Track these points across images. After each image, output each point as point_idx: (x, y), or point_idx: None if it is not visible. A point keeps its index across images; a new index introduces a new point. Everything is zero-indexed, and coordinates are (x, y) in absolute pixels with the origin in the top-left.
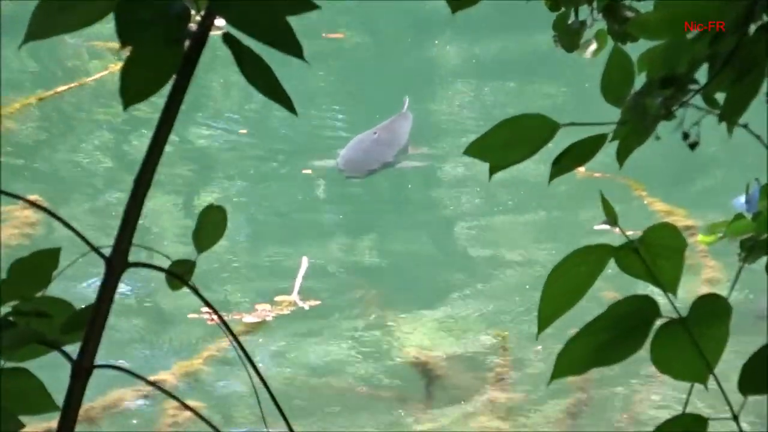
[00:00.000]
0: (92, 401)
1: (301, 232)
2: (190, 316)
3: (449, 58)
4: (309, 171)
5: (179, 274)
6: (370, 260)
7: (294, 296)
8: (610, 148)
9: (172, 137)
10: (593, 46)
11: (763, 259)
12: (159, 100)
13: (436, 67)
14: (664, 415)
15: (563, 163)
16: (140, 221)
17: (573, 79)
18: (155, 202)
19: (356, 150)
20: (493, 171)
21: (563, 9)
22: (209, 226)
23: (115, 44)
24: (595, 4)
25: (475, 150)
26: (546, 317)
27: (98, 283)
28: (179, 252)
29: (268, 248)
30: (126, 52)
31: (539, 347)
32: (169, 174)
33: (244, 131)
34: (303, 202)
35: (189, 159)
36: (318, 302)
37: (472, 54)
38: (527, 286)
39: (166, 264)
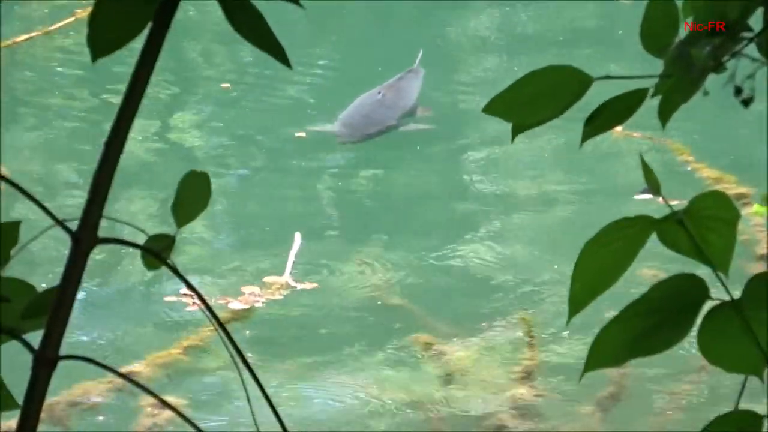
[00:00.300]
0: (56, 395)
1: (293, 205)
2: (168, 299)
3: (477, 26)
4: (303, 134)
5: (156, 251)
6: (375, 228)
7: (287, 277)
8: (651, 105)
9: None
10: None
11: None
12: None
13: (461, 35)
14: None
15: (598, 123)
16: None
17: (616, 53)
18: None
19: (355, 112)
20: (516, 131)
21: None
22: (190, 195)
23: None
24: None
25: (495, 107)
26: (578, 300)
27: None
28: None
29: (256, 222)
30: None
31: (565, 333)
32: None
33: (227, 85)
34: (296, 171)
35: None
36: (315, 285)
37: (505, 23)
38: (555, 266)
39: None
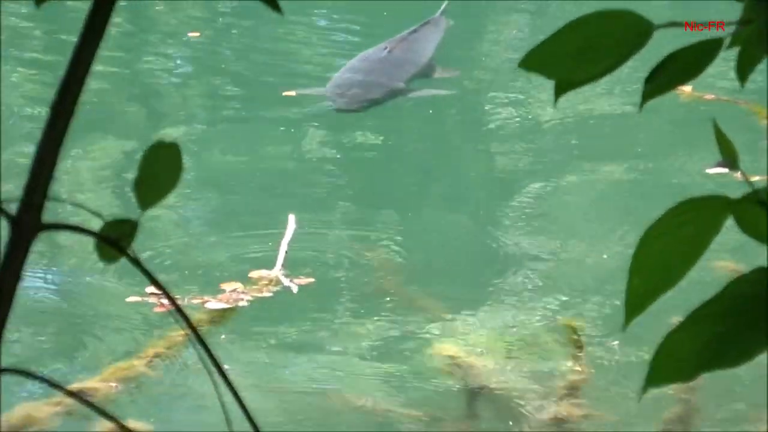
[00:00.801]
0: None
1: (285, 182)
2: (130, 299)
3: None
4: (292, 93)
5: (115, 240)
6: (383, 218)
7: (277, 271)
8: (727, 58)
9: None
10: None
11: None
12: None
13: None
14: None
15: (661, 80)
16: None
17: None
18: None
19: (352, 72)
20: (560, 90)
21: None
22: (158, 171)
23: None
24: None
25: (534, 61)
26: (637, 300)
27: None
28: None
29: (239, 203)
30: None
31: (615, 343)
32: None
33: (196, 34)
34: (286, 139)
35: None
36: (311, 280)
37: None
38: (605, 255)
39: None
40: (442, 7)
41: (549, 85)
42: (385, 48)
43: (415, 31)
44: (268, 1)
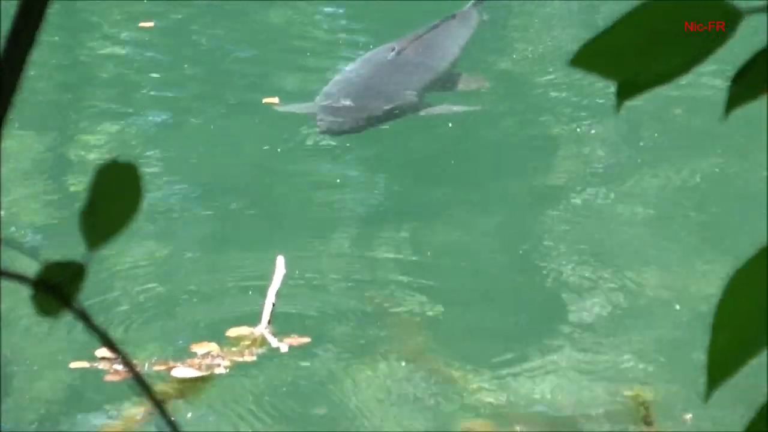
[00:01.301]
0: None
1: (271, 215)
2: (75, 365)
3: None
4: (275, 100)
5: (56, 288)
6: (395, 261)
7: (262, 328)
8: None
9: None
10: None
11: None
12: None
13: None
14: None
15: (752, 80)
16: None
17: None
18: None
19: (349, 82)
20: (624, 94)
21: None
22: (111, 198)
23: None
24: None
25: (589, 58)
26: (723, 362)
27: None
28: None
29: (214, 242)
30: None
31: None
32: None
33: (149, 24)
34: (270, 157)
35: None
36: (306, 339)
37: None
38: (677, 306)
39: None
40: None
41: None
42: (393, 48)
43: (434, 27)
44: None
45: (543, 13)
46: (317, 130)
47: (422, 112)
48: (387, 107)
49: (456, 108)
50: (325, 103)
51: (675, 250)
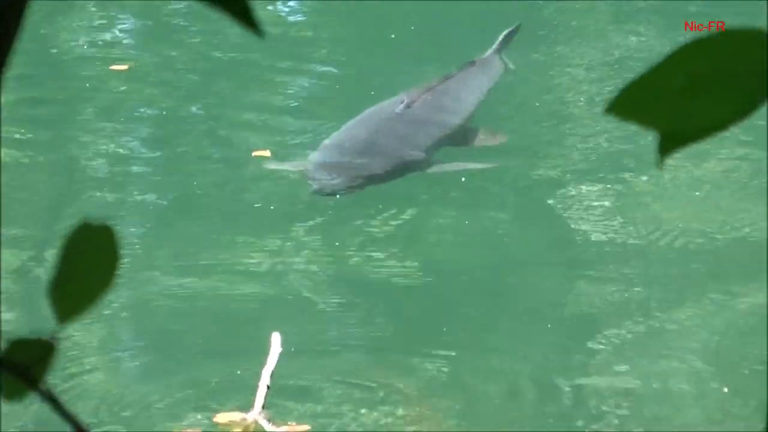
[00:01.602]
0: None
1: (265, 283)
2: None
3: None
4: (265, 153)
5: (22, 369)
6: (406, 331)
7: (256, 414)
8: None
9: None
10: None
11: None
12: None
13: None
14: None
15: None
16: None
17: None
18: None
19: (350, 137)
20: (668, 145)
21: None
22: (85, 265)
23: None
24: None
25: (627, 105)
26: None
27: None
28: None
29: (199, 317)
30: None
31: None
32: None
33: (123, 67)
34: (260, 217)
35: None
36: (305, 427)
37: None
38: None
39: None
40: (502, 36)
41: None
42: (402, 101)
43: (449, 77)
44: (246, 20)
45: (575, 61)
46: (309, 189)
47: (430, 170)
48: (389, 165)
49: (467, 165)
50: (319, 159)
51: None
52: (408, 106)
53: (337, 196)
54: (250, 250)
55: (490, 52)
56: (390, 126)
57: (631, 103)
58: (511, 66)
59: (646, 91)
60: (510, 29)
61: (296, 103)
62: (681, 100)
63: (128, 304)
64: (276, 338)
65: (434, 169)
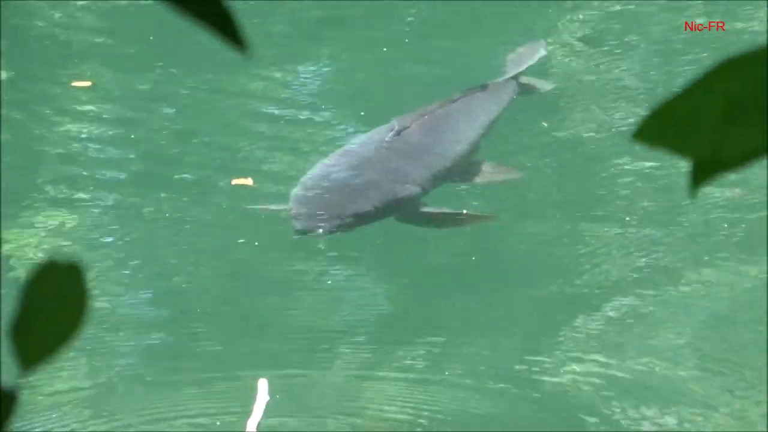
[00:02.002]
0: None
1: (250, 325)
2: None
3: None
4: (248, 181)
5: None
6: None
7: None
8: None
9: None
10: None
11: None
12: None
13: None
14: None
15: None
16: None
17: None
18: None
19: (332, 171)
20: (702, 174)
21: None
22: (50, 308)
23: None
24: None
25: (656, 131)
26: None
27: None
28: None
29: (182, 360)
30: None
31: None
32: None
33: (85, 83)
34: (242, 255)
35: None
36: None
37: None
38: None
39: None
40: (532, 61)
41: None
42: (392, 129)
43: (452, 100)
44: (229, 35)
45: (599, 87)
46: (292, 230)
47: (423, 210)
48: (377, 203)
49: (474, 214)
50: (302, 196)
51: None
52: (398, 134)
53: (324, 236)
54: None
55: (504, 78)
56: (379, 158)
57: (660, 128)
58: (548, 86)
59: (679, 115)
60: (542, 54)
61: (281, 123)
62: (720, 125)
63: None
64: (263, 385)
65: (428, 209)
